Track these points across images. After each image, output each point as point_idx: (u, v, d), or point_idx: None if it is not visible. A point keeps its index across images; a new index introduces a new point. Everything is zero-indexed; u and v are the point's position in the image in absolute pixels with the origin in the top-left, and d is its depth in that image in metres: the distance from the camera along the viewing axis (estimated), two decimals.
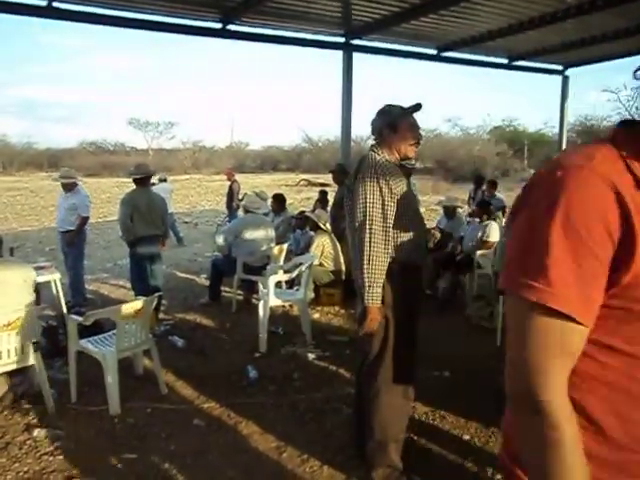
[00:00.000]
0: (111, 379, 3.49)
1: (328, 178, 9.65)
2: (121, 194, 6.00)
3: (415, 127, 2.70)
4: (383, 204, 2.48)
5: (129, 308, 3.59)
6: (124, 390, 3.60)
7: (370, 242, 2.45)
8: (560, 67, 9.56)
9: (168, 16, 6.29)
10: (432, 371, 4.09)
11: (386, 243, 2.50)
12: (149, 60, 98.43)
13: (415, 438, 3.15)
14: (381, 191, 2.48)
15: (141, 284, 5.49)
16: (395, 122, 2.63)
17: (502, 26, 6.93)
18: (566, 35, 7.55)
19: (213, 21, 6.45)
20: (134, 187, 5.55)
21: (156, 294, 4.06)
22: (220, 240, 6.04)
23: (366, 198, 2.48)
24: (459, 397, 3.67)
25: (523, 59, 8.91)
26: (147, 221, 5.46)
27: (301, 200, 18.19)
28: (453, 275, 6.03)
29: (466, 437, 3.20)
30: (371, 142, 2.81)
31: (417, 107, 2.70)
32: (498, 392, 3.40)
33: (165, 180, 11.53)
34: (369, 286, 2.46)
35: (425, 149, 31.75)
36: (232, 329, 5.28)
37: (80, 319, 3.64)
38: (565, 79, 9.64)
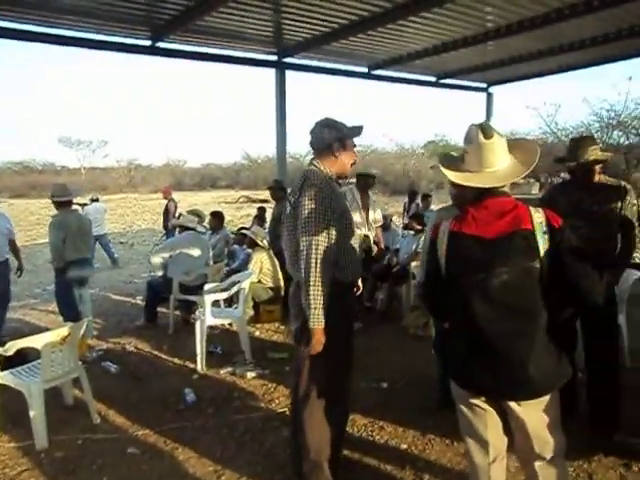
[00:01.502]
0: (36, 412, 3.30)
1: (268, 194, 9.66)
2: (51, 216, 5.69)
3: (354, 147, 2.72)
4: (329, 223, 2.46)
5: (54, 335, 3.42)
6: (52, 422, 3.42)
7: (316, 262, 2.42)
8: (484, 85, 10.09)
9: (97, 33, 6.17)
10: (371, 383, 4.14)
11: (330, 262, 2.48)
12: (82, 77, 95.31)
13: (354, 450, 3.17)
14: (326, 210, 2.46)
15: (70, 310, 5.25)
16: (345, 138, 2.62)
17: (428, 47, 7.25)
18: (487, 55, 8.01)
19: (143, 38, 6.37)
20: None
21: (85, 319, 3.91)
22: (155, 259, 5.89)
23: (312, 216, 2.43)
24: (397, 407, 3.74)
25: (450, 77, 9.35)
26: (77, 244, 5.25)
27: (241, 217, 18.07)
28: (390, 287, 6.16)
29: (404, 446, 3.25)
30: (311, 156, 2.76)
31: (361, 129, 2.69)
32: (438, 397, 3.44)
33: (97, 200, 11.16)
34: (314, 308, 2.42)
35: (363, 163, 32.44)
36: (169, 351, 5.13)
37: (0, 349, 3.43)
38: (489, 96, 10.18)
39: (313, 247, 2.42)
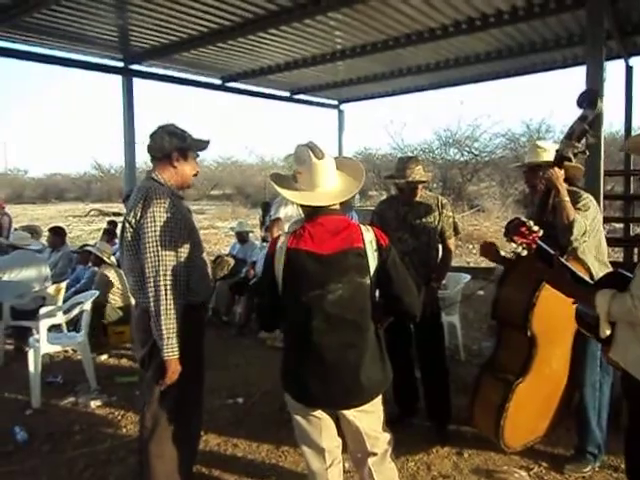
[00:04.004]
0: None
1: (122, 207, 9.08)
2: None
3: (196, 158, 2.61)
4: (176, 244, 2.34)
5: None
6: None
7: (165, 289, 2.27)
8: (336, 102, 10.58)
9: None
10: (225, 400, 4.05)
11: (180, 286, 2.35)
12: None
13: (208, 470, 3.09)
14: (172, 230, 2.33)
15: None
16: (187, 149, 2.50)
17: (280, 62, 7.42)
18: (338, 74, 8.43)
19: None
20: None
21: None
22: None
23: (157, 239, 2.29)
24: (251, 422, 3.71)
25: (303, 93, 9.65)
26: None
27: (91, 232, 16.72)
28: (248, 300, 6.12)
29: (258, 460, 3.24)
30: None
31: (207, 143, 2.59)
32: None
33: None
34: (167, 338, 2.28)
35: (224, 176, 32.11)
36: None
37: None
38: (340, 113, 10.68)
39: (161, 274, 2.27)
